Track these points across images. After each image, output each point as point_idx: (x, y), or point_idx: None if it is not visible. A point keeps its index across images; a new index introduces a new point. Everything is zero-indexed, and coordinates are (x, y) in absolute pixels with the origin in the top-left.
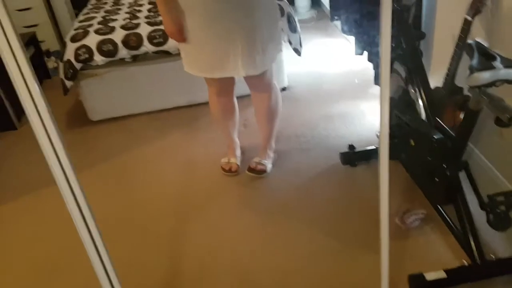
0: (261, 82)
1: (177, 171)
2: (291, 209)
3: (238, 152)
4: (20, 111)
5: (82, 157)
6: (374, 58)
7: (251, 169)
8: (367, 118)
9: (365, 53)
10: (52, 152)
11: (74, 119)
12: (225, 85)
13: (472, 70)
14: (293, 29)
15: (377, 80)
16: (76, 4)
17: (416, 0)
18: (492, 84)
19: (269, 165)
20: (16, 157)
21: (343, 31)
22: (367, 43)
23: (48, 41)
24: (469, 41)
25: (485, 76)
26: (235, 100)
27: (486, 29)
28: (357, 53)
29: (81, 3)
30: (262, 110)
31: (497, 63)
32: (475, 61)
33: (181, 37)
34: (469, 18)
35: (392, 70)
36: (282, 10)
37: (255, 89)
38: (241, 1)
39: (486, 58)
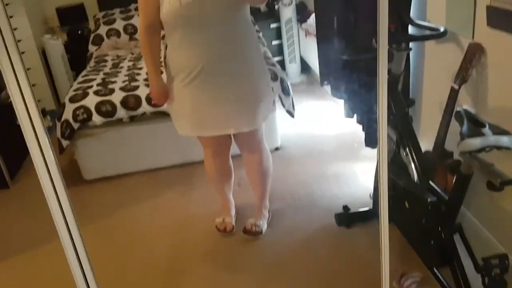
0: (252, 143)
1: (171, 231)
2: (286, 270)
3: (233, 211)
4: (13, 170)
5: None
6: (363, 120)
7: (246, 231)
8: (360, 179)
9: (355, 115)
10: (57, 208)
11: (67, 178)
12: (220, 147)
13: (463, 136)
14: (286, 92)
15: (367, 141)
16: (75, 66)
17: (404, 70)
18: (482, 149)
19: (264, 226)
20: (8, 217)
21: (333, 95)
22: (356, 106)
23: (44, 100)
24: (459, 109)
25: (475, 142)
26: (230, 161)
27: (472, 97)
28: (347, 116)
29: (80, 65)
30: (254, 170)
31: (486, 130)
32: (465, 128)
33: (165, 100)
34: (456, 86)
35: None
36: (275, 75)
37: (246, 150)
38: (233, 59)
39: (476, 125)
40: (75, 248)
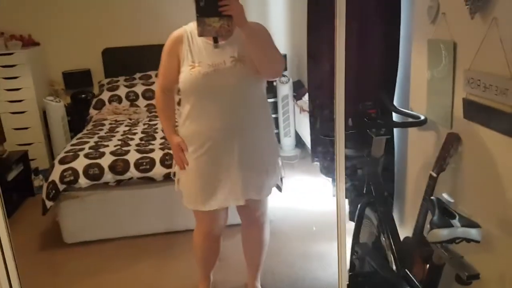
0: (256, 213)
1: None
2: None
3: None
4: None
5: (48, 281)
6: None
7: None
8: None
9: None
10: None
11: (48, 240)
12: (215, 224)
13: (432, 226)
14: None
15: (351, 215)
16: (74, 128)
17: (384, 154)
18: (452, 241)
19: None
20: None
21: (321, 172)
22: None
23: (39, 159)
24: (432, 197)
25: (443, 233)
26: (221, 241)
27: (450, 186)
28: (334, 195)
29: (80, 127)
30: (254, 243)
31: (455, 221)
32: (435, 218)
33: (185, 148)
34: (434, 174)
35: (364, 216)
36: None
37: (249, 220)
38: (247, 132)
39: (446, 215)
40: None
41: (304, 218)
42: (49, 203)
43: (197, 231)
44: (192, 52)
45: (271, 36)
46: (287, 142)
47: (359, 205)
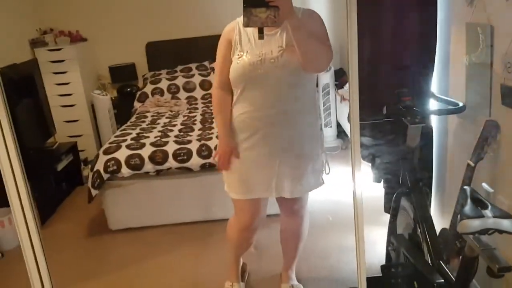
0: (296, 206)
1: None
2: None
3: (240, 276)
4: (46, 214)
5: (94, 266)
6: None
7: None
8: (378, 248)
9: (382, 181)
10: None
11: (94, 227)
12: (257, 215)
13: (462, 216)
14: None
15: (386, 207)
16: (120, 120)
17: (421, 143)
18: (484, 232)
19: (300, 286)
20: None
21: (363, 158)
22: (384, 171)
23: (88, 150)
24: (465, 187)
25: (474, 224)
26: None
27: (488, 175)
28: (374, 181)
29: (125, 119)
30: (292, 235)
31: (487, 212)
32: (467, 208)
33: (227, 164)
34: (471, 163)
35: (400, 207)
36: None
37: (288, 212)
38: (294, 124)
39: (478, 205)
40: None
41: (344, 209)
42: (94, 192)
43: (235, 222)
44: (242, 42)
45: (324, 27)
46: (328, 132)
47: (394, 196)
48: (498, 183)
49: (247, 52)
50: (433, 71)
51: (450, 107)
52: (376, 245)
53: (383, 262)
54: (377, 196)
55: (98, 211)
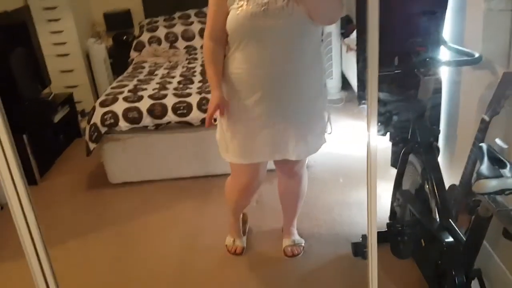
0: (295, 168)
1: (181, 245)
2: None
3: (242, 231)
4: (44, 167)
5: (93, 219)
6: (393, 139)
7: (287, 255)
8: (383, 202)
9: (388, 134)
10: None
11: (94, 180)
12: (257, 178)
13: (479, 176)
14: None
15: (393, 161)
16: (117, 70)
17: (432, 96)
18: (501, 192)
19: (302, 241)
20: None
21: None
22: (390, 124)
23: (85, 102)
24: (481, 144)
25: (491, 184)
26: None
27: (504, 131)
28: (379, 134)
29: (122, 70)
30: (291, 195)
31: (506, 171)
32: (483, 167)
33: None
34: (486, 118)
35: (408, 162)
36: None
37: (286, 174)
38: (297, 83)
39: (496, 164)
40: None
41: (346, 163)
42: (92, 145)
43: (233, 183)
44: None
45: None
46: (331, 84)
47: (402, 151)
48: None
49: (248, 1)
50: (445, 18)
51: (464, 57)
52: (381, 199)
53: (387, 216)
54: (382, 149)
55: (97, 164)
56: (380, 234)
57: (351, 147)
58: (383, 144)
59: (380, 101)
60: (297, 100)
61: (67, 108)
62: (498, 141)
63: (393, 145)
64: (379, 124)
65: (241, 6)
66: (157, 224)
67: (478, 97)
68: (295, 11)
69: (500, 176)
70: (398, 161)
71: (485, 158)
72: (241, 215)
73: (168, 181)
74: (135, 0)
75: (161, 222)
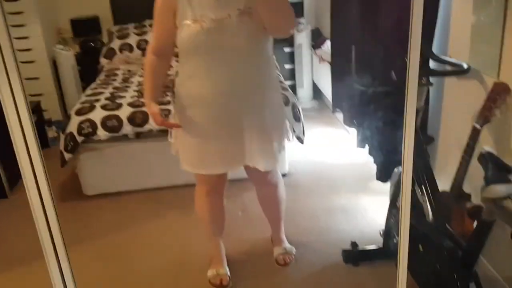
0: (267, 177)
1: (167, 260)
2: None
3: (225, 260)
4: (13, 180)
5: (70, 233)
6: (375, 152)
7: (280, 264)
8: (369, 213)
9: (367, 146)
10: (44, 225)
11: (67, 192)
12: (218, 183)
13: (488, 182)
14: (297, 118)
15: (378, 175)
16: (85, 78)
17: (424, 105)
18: (508, 197)
19: (293, 250)
20: (4, 227)
21: (345, 123)
22: (370, 137)
23: (51, 110)
24: (482, 151)
25: (501, 189)
26: (224, 200)
27: (495, 139)
28: (359, 146)
29: (90, 77)
30: (269, 202)
31: None
32: (490, 173)
33: (162, 120)
34: (478, 126)
35: (397, 163)
36: (287, 99)
37: (260, 183)
38: (251, 94)
39: (501, 170)
40: (61, 271)
41: (326, 170)
42: (67, 155)
43: (198, 192)
44: (192, 5)
45: None
46: (303, 93)
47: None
48: (504, 146)
49: (201, 16)
50: (434, 31)
51: (449, 68)
52: (368, 212)
53: (376, 229)
54: (360, 163)
55: (70, 175)
56: (371, 252)
57: (327, 154)
58: (362, 158)
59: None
60: (252, 113)
61: (34, 117)
62: (486, 148)
63: (380, 159)
64: (359, 137)
65: (195, 22)
66: (138, 238)
67: (463, 106)
68: (248, 25)
69: (509, 181)
70: (383, 173)
71: (490, 165)
72: (222, 248)
73: (148, 191)
74: (103, 6)
75: (142, 235)
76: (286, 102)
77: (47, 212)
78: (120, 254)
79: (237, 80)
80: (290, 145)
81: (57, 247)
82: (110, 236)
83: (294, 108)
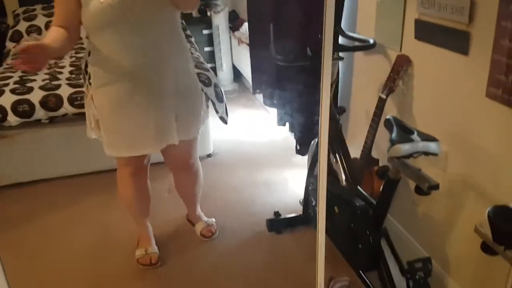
0: (190, 160)
1: (89, 245)
2: (220, 277)
3: (153, 240)
4: None
5: None
6: (295, 128)
7: (207, 237)
8: (290, 185)
9: (287, 124)
10: None
11: None
12: (143, 163)
13: (393, 142)
14: (219, 98)
15: (299, 149)
16: None
17: (335, 78)
18: (411, 155)
19: (213, 222)
20: None
21: (265, 103)
22: (289, 115)
23: None
24: (388, 116)
25: (405, 148)
26: (148, 182)
27: (398, 107)
28: (279, 124)
29: None
30: (190, 188)
31: (415, 136)
32: (394, 135)
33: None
34: (383, 96)
35: (314, 136)
36: (209, 80)
37: (181, 169)
38: (164, 68)
39: (405, 131)
40: None
41: (249, 148)
42: None
43: (121, 174)
44: None
45: None
46: (224, 75)
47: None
48: (407, 114)
49: None
50: (342, 9)
51: (357, 43)
52: (288, 184)
53: (297, 199)
54: (280, 140)
55: None
56: (292, 219)
57: (250, 133)
58: (282, 135)
59: (280, 91)
60: (167, 86)
61: None
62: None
63: (298, 133)
64: (279, 115)
65: None
66: (59, 225)
67: (370, 78)
68: None
69: (412, 141)
70: (302, 147)
71: (395, 127)
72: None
73: (65, 178)
74: None
75: (64, 222)
76: (208, 82)
77: None
78: (36, 244)
79: (151, 50)
80: (214, 126)
81: None
82: (24, 227)
83: (216, 87)
